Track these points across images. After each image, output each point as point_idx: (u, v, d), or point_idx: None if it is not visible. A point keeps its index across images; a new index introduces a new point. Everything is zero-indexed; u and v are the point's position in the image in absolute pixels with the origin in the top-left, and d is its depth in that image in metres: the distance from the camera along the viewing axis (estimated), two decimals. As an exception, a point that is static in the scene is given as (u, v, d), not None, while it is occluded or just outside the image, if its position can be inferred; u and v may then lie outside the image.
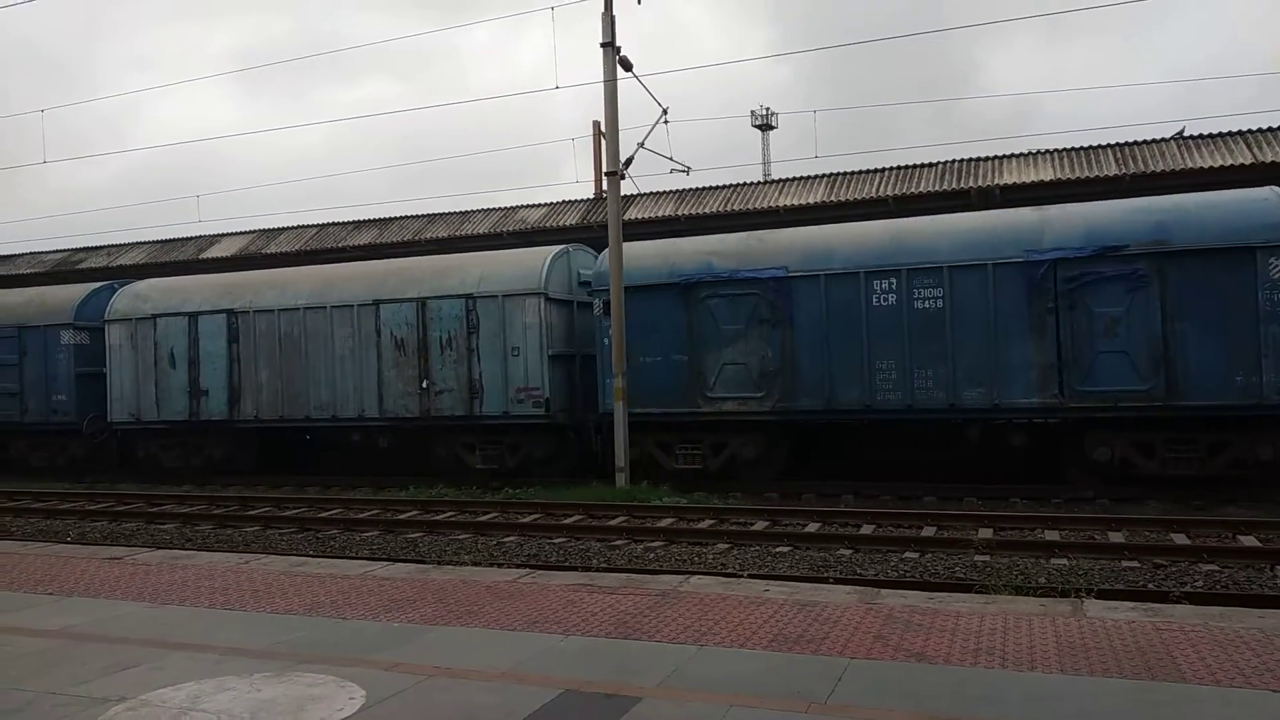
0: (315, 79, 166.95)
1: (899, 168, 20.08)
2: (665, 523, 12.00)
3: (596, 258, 16.32)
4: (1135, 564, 9.12)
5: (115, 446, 19.95)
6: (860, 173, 20.43)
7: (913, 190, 18.87)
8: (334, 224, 25.54)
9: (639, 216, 20.48)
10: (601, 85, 15.43)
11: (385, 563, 9.09)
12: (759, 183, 22.35)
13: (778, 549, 10.35)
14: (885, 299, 13.74)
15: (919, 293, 13.56)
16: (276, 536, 12.52)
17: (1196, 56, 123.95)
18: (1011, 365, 13.12)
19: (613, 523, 12.14)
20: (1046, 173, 18.08)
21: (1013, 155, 19.21)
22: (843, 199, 19.33)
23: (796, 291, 14.22)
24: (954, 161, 19.61)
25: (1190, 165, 17.05)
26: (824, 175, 20.68)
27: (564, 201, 23.40)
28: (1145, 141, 18.47)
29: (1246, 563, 9.05)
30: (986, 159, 19.34)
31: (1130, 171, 17.27)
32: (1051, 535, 10.30)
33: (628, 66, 15.40)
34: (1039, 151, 19.00)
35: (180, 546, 11.79)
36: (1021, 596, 7.27)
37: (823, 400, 14.09)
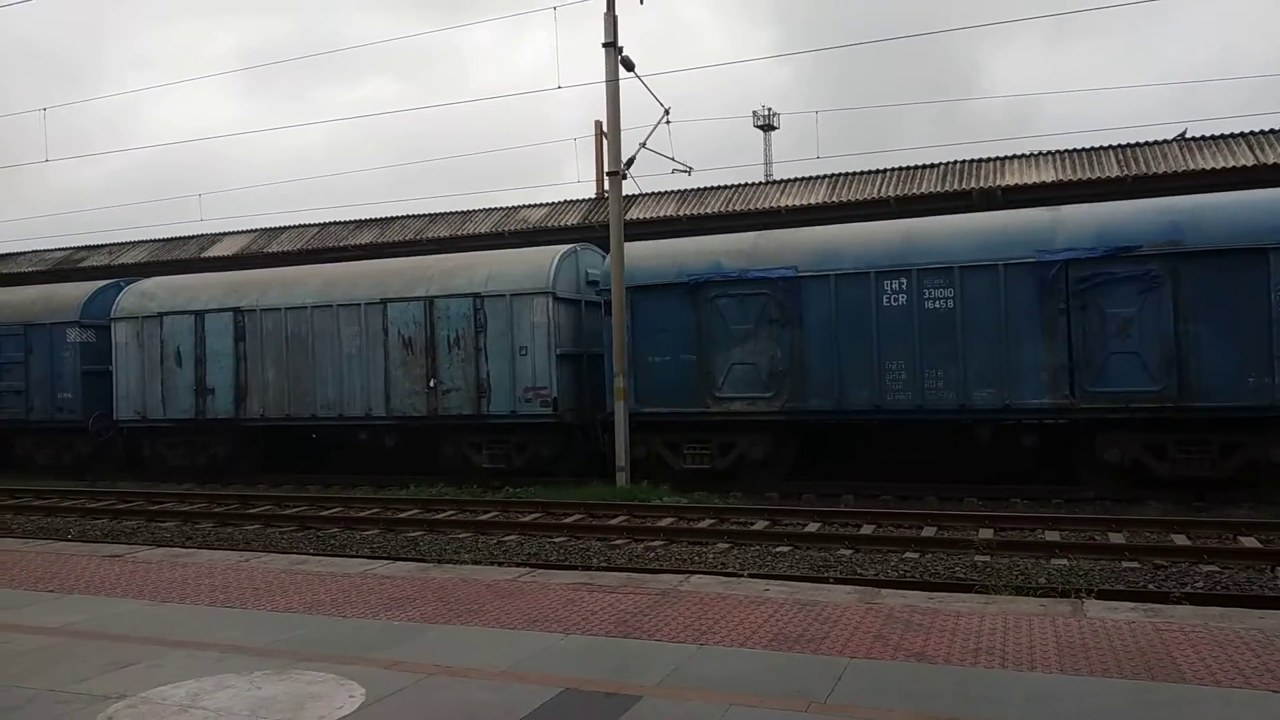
0: (316, 79, 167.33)
1: (901, 169, 20.07)
2: (665, 522, 12.00)
3: (604, 257, 16.31)
4: (1135, 564, 9.12)
5: (121, 445, 19.92)
6: (862, 173, 20.42)
7: (915, 191, 18.86)
8: (335, 223, 25.56)
9: (640, 216, 20.49)
10: (603, 85, 15.45)
11: (385, 561, 9.09)
12: (761, 183, 22.38)
13: (778, 549, 10.35)
14: (895, 299, 13.70)
15: (929, 293, 13.51)
16: (277, 535, 12.54)
17: (1197, 58, 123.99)
18: (1022, 366, 13.06)
19: (613, 522, 12.14)
20: (1049, 174, 18.07)
21: (1015, 156, 19.20)
22: (845, 200, 19.34)
23: (806, 291, 14.17)
24: (956, 162, 19.59)
25: (1193, 167, 17.05)
26: (826, 176, 20.68)
27: (566, 201, 23.41)
28: (1148, 143, 18.46)
29: (1247, 564, 9.05)
30: (989, 160, 19.32)
31: (1133, 173, 17.26)
32: (1052, 536, 10.30)
33: (630, 66, 15.41)
34: (1041, 153, 18.99)
35: (181, 544, 11.81)
36: (1022, 597, 7.26)
37: (832, 400, 14.05)
